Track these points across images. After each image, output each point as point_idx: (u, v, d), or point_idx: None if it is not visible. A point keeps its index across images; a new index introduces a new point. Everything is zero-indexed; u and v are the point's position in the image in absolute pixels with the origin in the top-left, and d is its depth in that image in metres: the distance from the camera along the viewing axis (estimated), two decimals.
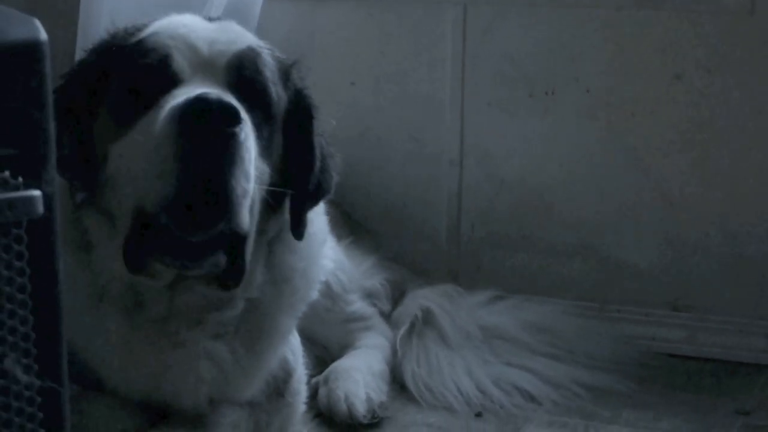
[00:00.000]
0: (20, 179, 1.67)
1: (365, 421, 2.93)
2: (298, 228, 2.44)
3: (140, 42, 2.32)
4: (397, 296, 3.42)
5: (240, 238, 2.26)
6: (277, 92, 2.38)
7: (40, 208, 1.68)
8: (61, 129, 2.14)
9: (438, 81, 3.61)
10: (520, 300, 3.43)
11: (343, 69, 3.70)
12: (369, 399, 2.96)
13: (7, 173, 1.66)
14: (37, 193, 1.68)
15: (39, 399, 1.73)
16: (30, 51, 1.66)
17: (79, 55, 3.36)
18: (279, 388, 2.60)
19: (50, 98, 1.69)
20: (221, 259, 2.25)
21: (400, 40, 3.64)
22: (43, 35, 1.68)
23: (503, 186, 3.61)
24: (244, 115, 2.19)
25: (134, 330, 2.37)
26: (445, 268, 3.66)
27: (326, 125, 2.52)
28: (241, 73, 2.31)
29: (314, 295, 2.61)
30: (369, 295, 3.33)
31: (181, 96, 2.17)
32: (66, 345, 1.76)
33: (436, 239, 3.68)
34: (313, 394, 3.04)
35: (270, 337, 2.50)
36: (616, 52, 3.44)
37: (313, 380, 3.08)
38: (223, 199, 2.15)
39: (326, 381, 3.04)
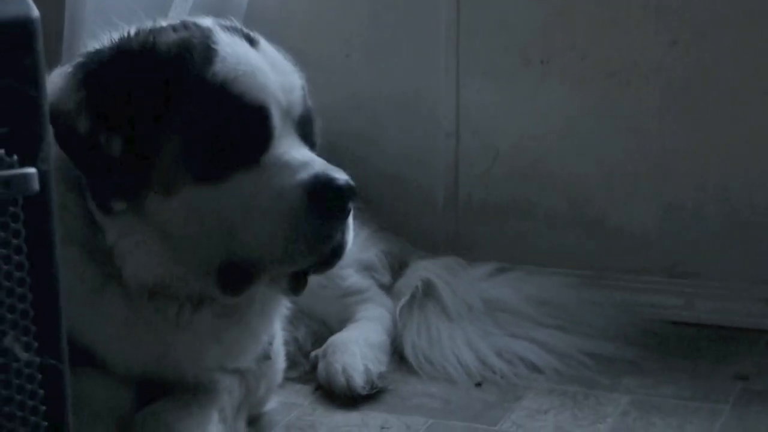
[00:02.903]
0: (15, 157, 1.67)
1: (364, 393, 2.93)
2: None
3: (226, 84, 2.29)
4: (397, 268, 3.42)
5: None
6: None
7: (36, 186, 1.68)
8: (112, 130, 2.22)
9: (433, 51, 3.60)
10: (522, 272, 3.43)
11: (337, 41, 3.69)
12: (367, 370, 2.97)
13: (2, 151, 1.66)
14: (32, 170, 1.68)
15: (39, 376, 1.74)
16: (23, 28, 1.66)
17: (71, 33, 3.37)
18: (265, 351, 2.64)
19: (44, 75, 1.69)
20: None
21: (393, 10, 3.63)
22: (35, 12, 1.68)
23: (499, 155, 3.60)
24: None
25: (136, 313, 2.39)
26: (442, 238, 3.65)
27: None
28: (306, 125, 2.42)
29: None
30: (366, 268, 3.32)
31: (301, 169, 2.29)
32: (65, 322, 1.76)
33: (433, 209, 3.68)
34: (313, 368, 3.05)
35: (268, 311, 2.56)
36: (610, 19, 3.43)
37: (312, 354, 3.09)
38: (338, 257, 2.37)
39: (324, 355, 3.04)
